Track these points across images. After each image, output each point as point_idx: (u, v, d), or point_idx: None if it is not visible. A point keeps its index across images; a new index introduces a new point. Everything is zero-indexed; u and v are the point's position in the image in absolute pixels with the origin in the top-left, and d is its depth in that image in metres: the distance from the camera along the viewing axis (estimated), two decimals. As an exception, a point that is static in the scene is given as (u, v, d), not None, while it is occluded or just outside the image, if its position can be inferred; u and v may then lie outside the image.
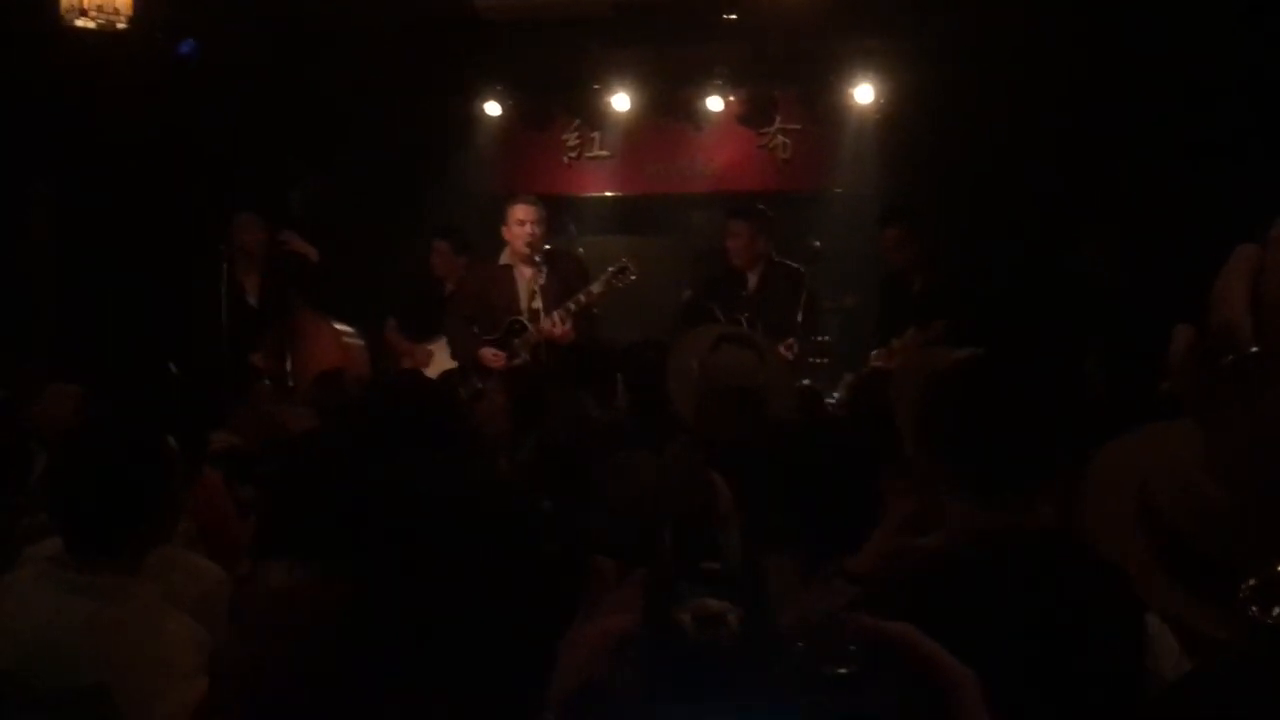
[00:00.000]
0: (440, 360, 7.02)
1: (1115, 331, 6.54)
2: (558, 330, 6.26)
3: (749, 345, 4.32)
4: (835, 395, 7.20)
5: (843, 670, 0.89)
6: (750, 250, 6.72)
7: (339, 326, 6.96)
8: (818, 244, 6.90)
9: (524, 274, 6.46)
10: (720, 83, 8.29)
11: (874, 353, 6.87)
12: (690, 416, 4.01)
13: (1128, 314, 6.51)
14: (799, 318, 6.53)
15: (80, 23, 5.05)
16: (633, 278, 6.30)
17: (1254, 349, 0.95)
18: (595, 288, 6.30)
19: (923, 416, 2.51)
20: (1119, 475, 1.63)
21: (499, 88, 8.66)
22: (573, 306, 6.28)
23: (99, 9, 5.00)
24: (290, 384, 6.35)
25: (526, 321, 6.36)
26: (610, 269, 6.35)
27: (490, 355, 6.38)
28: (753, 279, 6.77)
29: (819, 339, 6.49)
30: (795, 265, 6.79)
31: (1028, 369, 2.76)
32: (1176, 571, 1.49)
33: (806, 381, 6.91)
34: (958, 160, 7.49)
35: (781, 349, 6.20)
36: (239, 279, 6.81)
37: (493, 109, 8.74)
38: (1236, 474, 1.04)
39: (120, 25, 5.10)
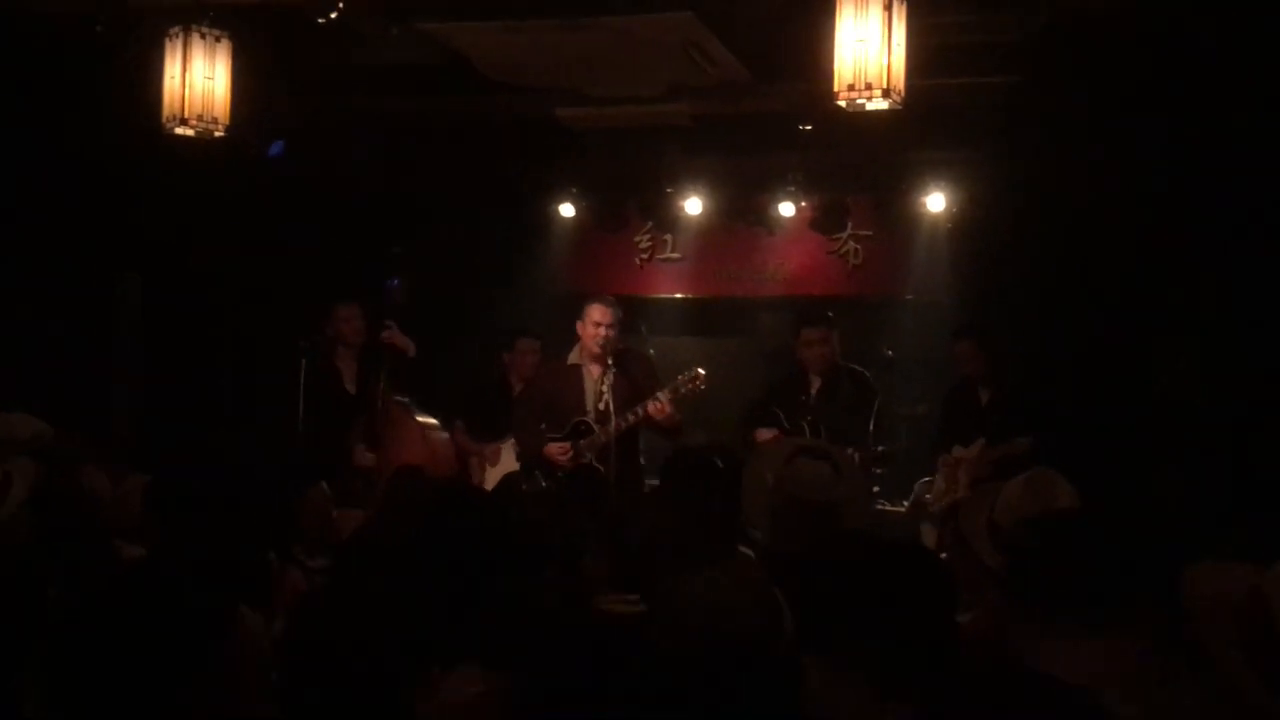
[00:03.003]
0: (508, 461, 7.04)
1: (1194, 446, 6.47)
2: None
3: (825, 458, 4.29)
4: (905, 503, 7.19)
5: None
6: (828, 357, 6.72)
7: (424, 419, 6.92)
8: (890, 352, 6.91)
9: (593, 373, 6.48)
10: (793, 189, 8.38)
11: (941, 459, 6.86)
12: (764, 530, 4.00)
13: (1207, 430, 6.45)
14: (870, 425, 6.51)
15: (180, 130, 5.23)
16: (703, 387, 6.26)
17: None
18: (663, 395, 6.22)
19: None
20: (1215, 592, 1.63)
21: (573, 190, 8.82)
22: (640, 412, 6.26)
23: (199, 118, 5.18)
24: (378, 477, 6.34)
25: (593, 423, 6.38)
26: (681, 376, 6.29)
27: (557, 450, 6.38)
28: (816, 383, 6.76)
29: (879, 449, 6.45)
30: (862, 370, 6.78)
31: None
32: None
33: (876, 488, 6.88)
34: (1029, 269, 7.51)
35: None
36: (337, 366, 6.91)
37: (567, 210, 8.89)
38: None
39: (218, 133, 5.28)
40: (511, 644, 1.68)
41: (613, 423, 6.25)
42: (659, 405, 6.19)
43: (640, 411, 6.23)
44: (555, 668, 1.64)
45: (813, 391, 6.76)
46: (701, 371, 6.25)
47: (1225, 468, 5.95)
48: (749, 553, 3.88)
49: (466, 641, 1.69)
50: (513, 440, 7.05)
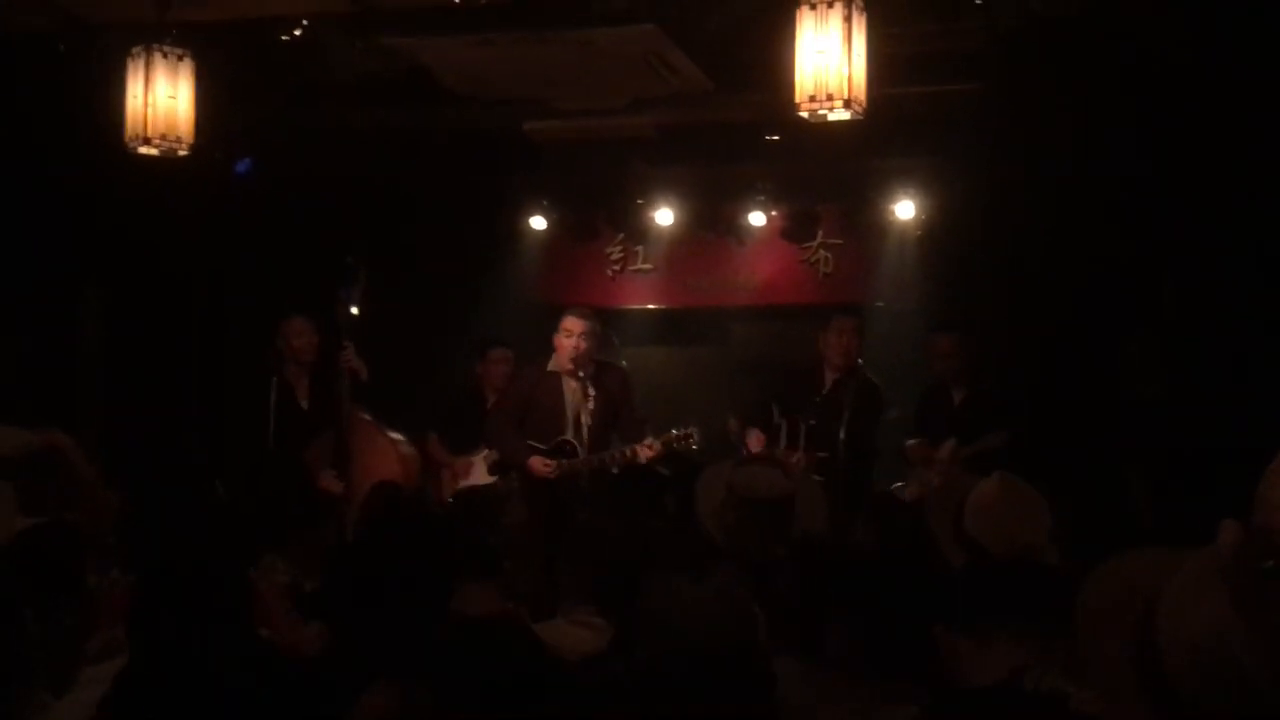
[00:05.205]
0: (478, 474, 7.02)
1: (1160, 449, 6.50)
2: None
3: (772, 462, 4.40)
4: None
5: None
6: (852, 352, 6.70)
7: (393, 435, 6.90)
8: (860, 360, 6.92)
9: (570, 385, 6.49)
10: (762, 198, 8.39)
11: (908, 445, 6.87)
12: (718, 535, 4.05)
13: (1173, 432, 6.48)
14: (874, 438, 6.57)
15: (144, 150, 5.22)
16: (694, 447, 6.24)
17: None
18: (655, 444, 6.21)
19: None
20: (1115, 599, 1.63)
21: (544, 202, 8.80)
22: (627, 453, 6.25)
23: (162, 137, 5.18)
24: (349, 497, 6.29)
25: (579, 446, 6.36)
26: (674, 431, 6.25)
27: (540, 465, 6.36)
28: (830, 381, 6.74)
29: (822, 454, 6.45)
30: (876, 381, 6.77)
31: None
32: (1165, 710, 1.48)
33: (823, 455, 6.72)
34: (998, 275, 7.54)
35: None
36: (290, 382, 6.86)
37: (538, 223, 8.88)
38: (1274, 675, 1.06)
39: (182, 152, 5.27)
40: (434, 658, 1.68)
41: (587, 443, 6.27)
42: (649, 452, 6.20)
43: (628, 452, 6.23)
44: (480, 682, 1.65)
45: (825, 389, 6.72)
46: (694, 432, 6.24)
47: (1190, 470, 5.97)
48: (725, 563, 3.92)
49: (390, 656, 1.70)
50: (485, 453, 7.05)
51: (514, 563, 3.70)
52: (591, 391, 6.37)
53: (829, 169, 7.91)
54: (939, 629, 2.50)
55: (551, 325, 6.61)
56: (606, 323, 7.34)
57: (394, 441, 6.73)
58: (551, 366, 6.57)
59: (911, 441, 6.86)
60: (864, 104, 4.64)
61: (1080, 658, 1.89)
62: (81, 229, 7.11)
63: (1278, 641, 1.03)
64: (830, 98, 4.57)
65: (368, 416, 6.72)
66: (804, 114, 4.64)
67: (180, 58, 5.27)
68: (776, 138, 7.02)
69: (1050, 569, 2.57)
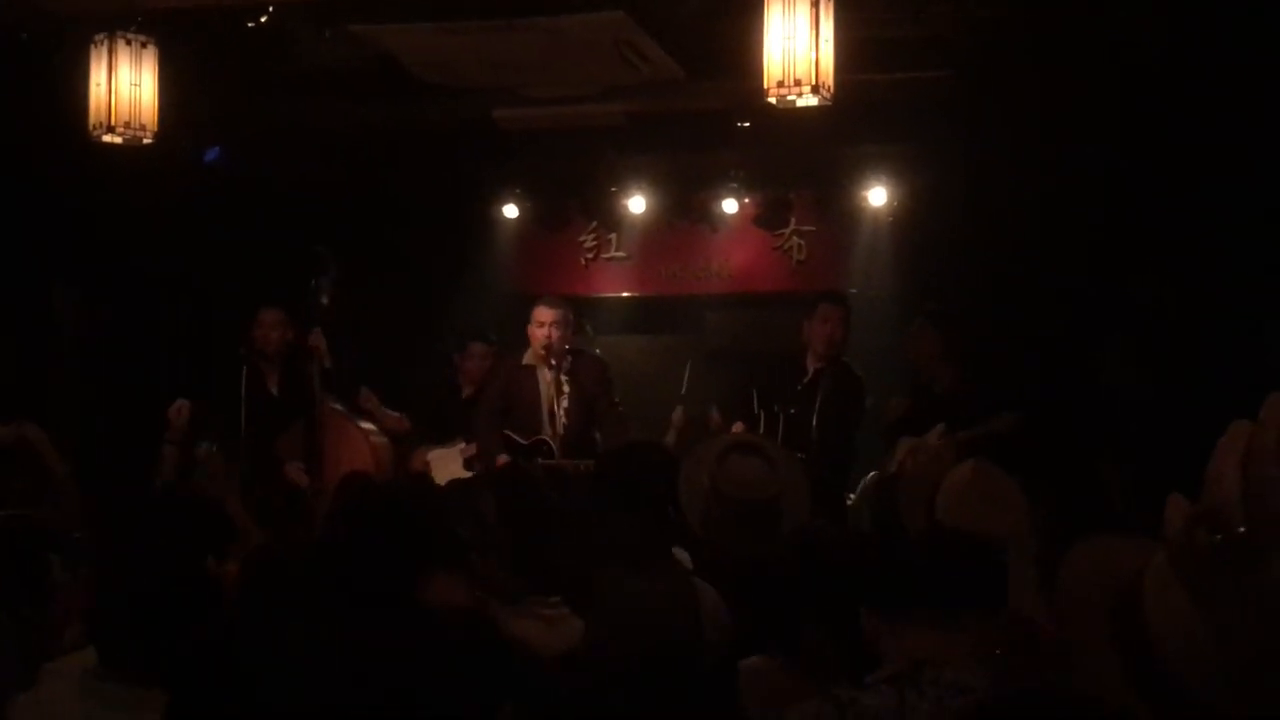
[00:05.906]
0: (454, 467, 6.98)
1: (1136, 443, 6.51)
2: None
3: (758, 453, 4.30)
4: (852, 496, 7.18)
5: None
6: (836, 340, 6.56)
7: (364, 425, 6.87)
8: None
9: (545, 376, 6.46)
10: (735, 186, 8.39)
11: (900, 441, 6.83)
12: (704, 532, 4.01)
13: (1149, 425, 6.49)
14: (850, 430, 6.50)
15: (107, 138, 5.18)
16: None
17: (1241, 530, 0.98)
18: None
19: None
20: (1094, 583, 1.63)
21: (516, 191, 8.78)
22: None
23: (126, 125, 5.13)
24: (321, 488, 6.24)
25: (553, 447, 6.33)
26: None
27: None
28: (812, 369, 6.63)
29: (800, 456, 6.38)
30: (859, 374, 6.69)
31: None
32: (1147, 695, 1.48)
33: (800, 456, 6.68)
34: (971, 262, 7.55)
35: None
36: (261, 371, 6.82)
37: (510, 211, 8.85)
38: (1229, 649, 1.05)
39: (146, 140, 5.22)
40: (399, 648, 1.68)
41: (564, 438, 6.25)
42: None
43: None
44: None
45: (806, 378, 6.63)
46: None
47: (1168, 464, 5.97)
48: (684, 554, 3.88)
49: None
50: (461, 446, 7.02)
51: (487, 554, 3.67)
52: (565, 385, 6.34)
53: (801, 156, 7.90)
54: (865, 611, 2.44)
55: (526, 315, 6.58)
56: (580, 311, 7.32)
57: (365, 431, 6.71)
58: (527, 359, 6.55)
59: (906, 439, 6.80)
60: (832, 89, 4.64)
61: (1061, 640, 1.89)
62: (54, 220, 7.04)
63: (1242, 631, 1.02)
64: (798, 83, 4.57)
65: (339, 407, 6.68)
66: (772, 99, 4.64)
67: (144, 45, 5.23)
68: (748, 124, 7.00)
69: (973, 551, 2.50)
